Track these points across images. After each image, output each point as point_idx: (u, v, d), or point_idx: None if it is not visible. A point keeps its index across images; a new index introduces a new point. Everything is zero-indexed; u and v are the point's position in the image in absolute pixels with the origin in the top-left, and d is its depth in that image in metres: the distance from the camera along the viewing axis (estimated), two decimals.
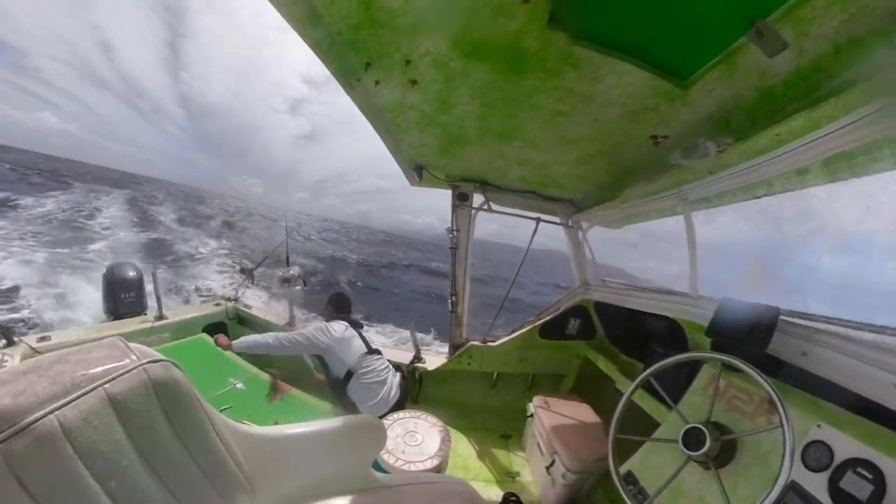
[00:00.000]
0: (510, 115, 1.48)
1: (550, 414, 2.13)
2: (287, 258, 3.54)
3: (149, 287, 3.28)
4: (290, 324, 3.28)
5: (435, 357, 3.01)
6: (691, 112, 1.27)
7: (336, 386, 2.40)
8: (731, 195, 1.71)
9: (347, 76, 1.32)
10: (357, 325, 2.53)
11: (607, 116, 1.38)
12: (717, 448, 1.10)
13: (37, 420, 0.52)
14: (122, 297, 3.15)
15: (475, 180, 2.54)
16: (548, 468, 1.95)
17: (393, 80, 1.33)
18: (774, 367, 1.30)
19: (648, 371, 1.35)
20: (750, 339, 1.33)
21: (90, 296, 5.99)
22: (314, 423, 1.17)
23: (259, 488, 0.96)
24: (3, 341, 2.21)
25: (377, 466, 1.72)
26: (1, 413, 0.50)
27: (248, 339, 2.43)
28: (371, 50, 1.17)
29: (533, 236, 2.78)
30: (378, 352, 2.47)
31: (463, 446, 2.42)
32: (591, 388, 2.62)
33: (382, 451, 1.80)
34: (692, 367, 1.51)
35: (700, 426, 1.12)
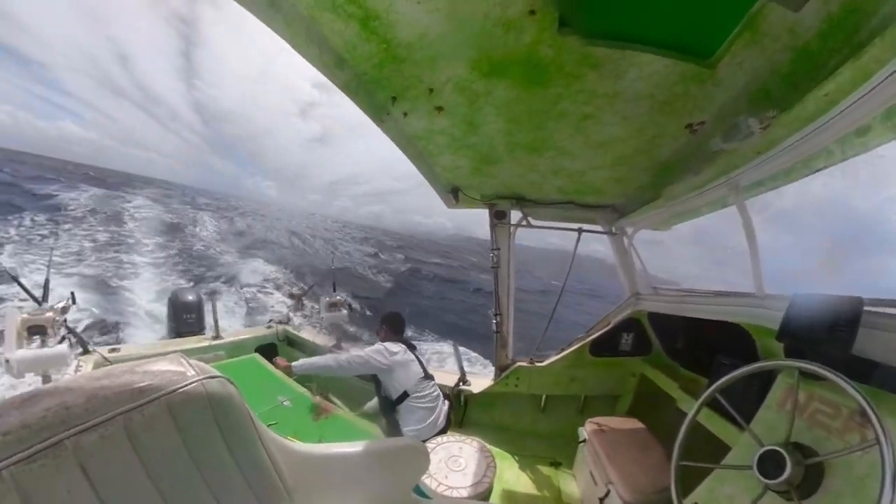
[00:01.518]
0: (538, 126, 1.48)
1: (605, 439, 1.95)
2: (334, 285, 3.76)
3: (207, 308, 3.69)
4: (337, 346, 3.40)
5: (480, 379, 2.93)
6: (724, 90, 1.17)
7: (386, 406, 2.40)
8: (787, 174, 1.52)
9: (377, 112, 1.41)
10: (412, 347, 2.52)
11: (637, 112, 1.33)
12: (800, 474, 0.94)
13: (105, 420, 0.59)
14: (183, 318, 3.63)
15: (511, 197, 2.53)
16: (602, 499, 1.77)
17: (419, 109, 1.40)
18: (864, 371, 1.10)
19: (714, 387, 1.20)
20: (831, 339, 1.12)
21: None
22: (358, 443, 1.18)
23: (300, 501, 0.97)
24: (80, 349, 2.54)
25: (419, 491, 1.69)
26: (76, 411, 0.57)
27: (308, 362, 2.48)
28: (395, 84, 1.25)
29: (576, 247, 2.67)
30: (432, 377, 2.46)
31: (509, 473, 2.29)
32: (649, 409, 2.37)
33: (424, 476, 1.77)
34: (765, 379, 1.31)
35: (778, 448, 0.96)
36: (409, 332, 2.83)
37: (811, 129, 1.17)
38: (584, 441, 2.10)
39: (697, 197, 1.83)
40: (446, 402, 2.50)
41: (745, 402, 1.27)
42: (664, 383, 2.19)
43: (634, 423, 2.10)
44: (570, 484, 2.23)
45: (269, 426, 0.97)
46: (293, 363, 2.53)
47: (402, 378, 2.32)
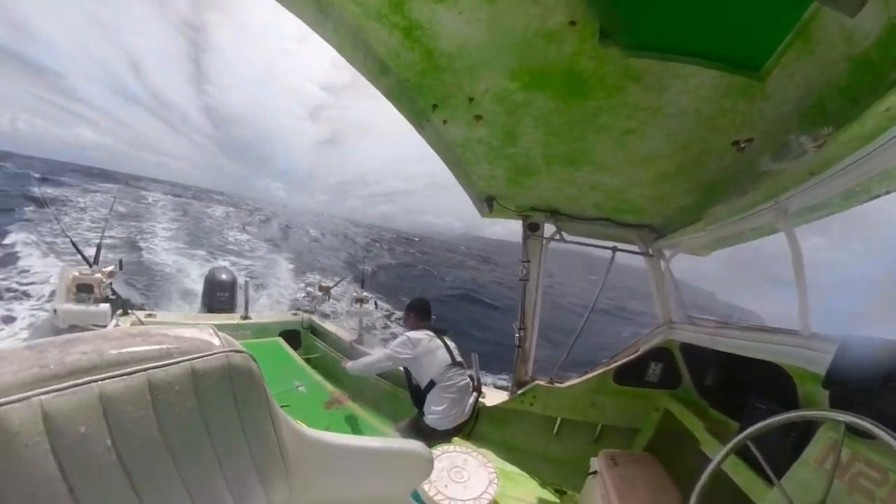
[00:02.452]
0: (577, 139, 1.46)
1: (617, 474, 1.82)
2: (363, 281, 3.88)
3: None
4: (359, 340, 3.48)
5: (495, 393, 2.87)
6: (775, 105, 1.10)
7: (415, 394, 2.43)
8: (842, 199, 1.38)
9: (418, 118, 1.45)
10: (441, 332, 2.49)
11: (681, 127, 1.28)
12: None
13: (132, 372, 0.63)
14: (217, 295, 3.92)
15: (546, 210, 2.50)
16: None
17: (459, 118, 1.42)
18: None
19: (746, 433, 1.09)
20: (885, 391, 0.99)
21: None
22: (366, 438, 1.19)
23: (297, 484, 0.99)
24: (120, 311, 2.79)
25: (416, 496, 1.67)
26: (108, 359, 0.62)
27: (359, 364, 2.50)
28: (436, 92, 1.29)
29: (610, 267, 2.58)
30: (461, 364, 2.44)
31: (512, 493, 2.20)
32: (670, 449, 2.20)
33: (424, 482, 1.75)
34: (803, 431, 1.19)
35: None
36: None
37: (871, 148, 1.05)
38: (594, 472, 1.98)
39: (742, 221, 1.71)
40: (474, 393, 2.47)
41: (778, 453, 1.16)
42: (690, 422, 2.03)
43: (652, 462, 1.95)
44: None
45: (281, 407, 1.00)
46: (346, 364, 2.58)
47: (428, 366, 2.32)
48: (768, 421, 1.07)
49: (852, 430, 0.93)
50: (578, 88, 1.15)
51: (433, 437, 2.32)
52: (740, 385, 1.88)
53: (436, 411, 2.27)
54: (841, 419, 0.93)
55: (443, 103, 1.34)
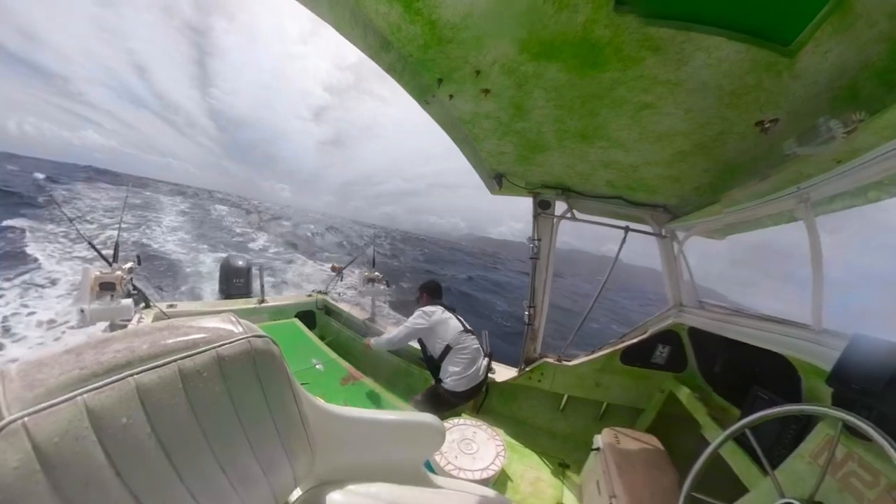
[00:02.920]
0: (590, 113, 1.38)
1: (618, 451, 1.87)
2: (373, 260, 3.91)
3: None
4: (371, 319, 3.57)
5: (505, 369, 2.93)
6: (804, 84, 1.01)
7: (431, 364, 2.57)
8: (868, 191, 1.30)
9: (423, 93, 1.39)
10: (451, 309, 2.67)
11: (701, 103, 1.19)
12: None
13: (163, 364, 0.68)
14: (233, 282, 4.04)
15: (557, 187, 2.44)
16: None
17: (465, 92, 1.35)
18: None
19: (746, 421, 1.10)
20: (888, 395, 0.97)
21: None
22: (381, 412, 1.24)
23: (319, 456, 1.05)
24: (143, 304, 2.91)
25: (428, 465, 1.77)
26: (140, 354, 0.67)
27: (381, 340, 2.64)
28: (441, 66, 1.22)
29: (621, 247, 2.53)
30: (472, 332, 2.61)
31: (517, 466, 2.29)
32: (671, 430, 2.25)
33: (436, 452, 1.85)
34: (803, 424, 1.20)
35: (798, 503, 0.88)
36: None
37: None
38: (597, 449, 2.04)
39: (761, 206, 1.64)
40: (486, 358, 2.62)
41: (776, 444, 1.18)
42: (693, 406, 2.05)
43: (653, 442, 2.00)
44: (573, 488, 2.20)
45: (301, 384, 1.05)
46: (371, 340, 2.71)
47: (443, 333, 2.49)
48: (768, 411, 1.07)
49: (850, 430, 0.93)
50: (592, 60, 1.07)
51: (451, 401, 2.48)
52: (745, 373, 1.87)
53: (453, 373, 2.42)
54: (840, 417, 0.93)
55: (448, 77, 1.27)
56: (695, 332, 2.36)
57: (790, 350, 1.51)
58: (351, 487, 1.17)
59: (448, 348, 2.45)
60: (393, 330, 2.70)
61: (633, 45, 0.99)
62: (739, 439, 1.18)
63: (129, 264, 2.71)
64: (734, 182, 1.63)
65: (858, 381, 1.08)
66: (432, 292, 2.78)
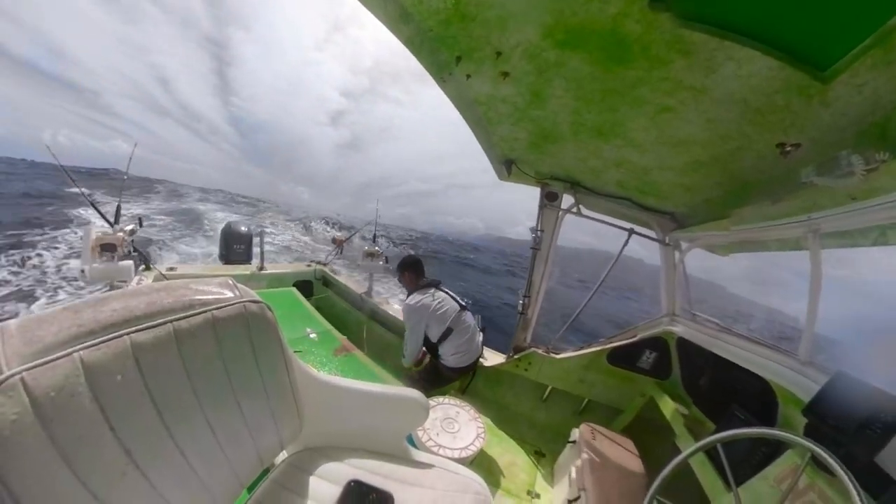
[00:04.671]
0: (609, 109, 1.35)
1: (593, 447, 1.93)
2: (374, 236, 3.89)
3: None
4: (368, 293, 3.61)
5: (494, 355, 2.99)
6: (832, 114, 0.98)
7: (430, 346, 2.57)
8: (878, 234, 1.29)
9: (439, 70, 1.35)
10: (437, 284, 2.62)
11: (724, 115, 1.16)
12: None
13: (159, 324, 0.69)
14: (234, 248, 4.03)
15: (566, 180, 2.41)
16: (570, 502, 1.79)
17: (484, 73, 1.32)
18: (879, 485, 0.98)
19: (717, 437, 1.11)
20: (858, 435, 1.01)
21: None
22: (369, 384, 1.27)
23: (306, 422, 1.09)
24: (143, 266, 2.93)
25: (410, 440, 1.83)
26: (136, 313, 0.68)
27: (407, 360, 2.62)
28: (461, 44, 1.18)
29: (622, 248, 2.53)
30: (466, 307, 2.61)
31: (495, 449, 2.37)
32: (647, 434, 2.30)
33: (418, 428, 1.91)
34: (773, 448, 1.23)
35: None
36: None
37: None
38: (573, 442, 2.11)
39: (768, 229, 1.64)
40: (481, 333, 2.67)
41: (744, 462, 1.21)
42: (670, 413, 2.09)
43: (627, 443, 2.06)
44: (547, 477, 2.26)
45: (294, 352, 1.06)
46: (405, 361, 2.65)
47: (442, 320, 2.47)
48: (741, 431, 1.09)
49: (816, 462, 0.96)
50: (618, 54, 1.03)
51: (450, 377, 2.56)
52: (726, 390, 1.91)
53: (458, 352, 2.46)
54: (809, 447, 0.94)
55: (468, 56, 1.23)
56: (683, 343, 2.39)
57: (773, 375, 1.54)
58: (335, 455, 1.22)
59: (450, 330, 2.46)
60: (406, 341, 2.59)
61: (662, 45, 0.95)
62: (710, 453, 1.22)
63: (131, 226, 2.71)
64: (745, 200, 1.60)
65: (833, 417, 1.11)
66: (416, 270, 2.66)
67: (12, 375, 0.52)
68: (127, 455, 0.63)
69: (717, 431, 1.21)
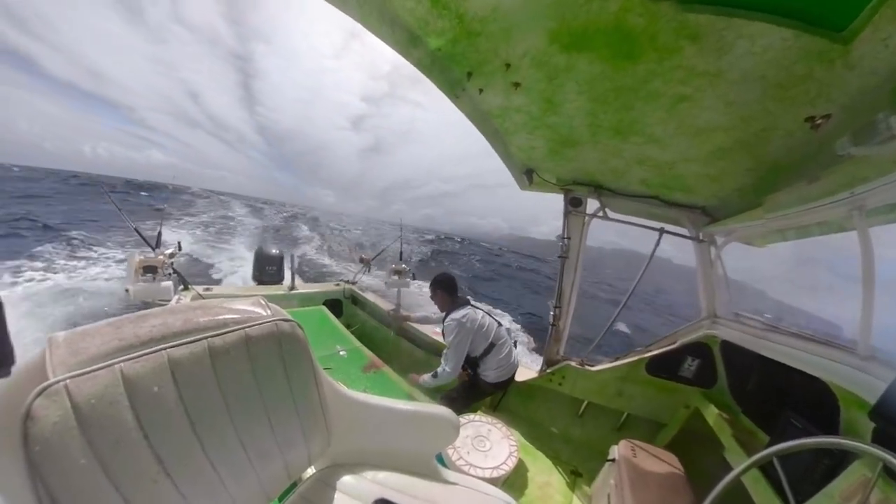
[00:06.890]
0: (624, 107, 1.33)
1: (635, 466, 1.78)
2: (401, 254, 3.98)
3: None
4: (396, 310, 3.66)
5: (525, 369, 2.89)
6: (860, 76, 0.91)
7: (470, 362, 2.58)
8: None
9: (452, 88, 1.38)
10: (468, 303, 2.65)
11: (744, 96, 1.10)
12: None
13: (195, 340, 0.74)
14: (266, 269, 4.22)
15: (589, 184, 2.37)
16: None
17: (495, 85, 1.34)
18: None
19: (774, 449, 1.01)
20: None
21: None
22: (399, 401, 1.26)
23: (335, 439, 1.09)
24: (182, 286, 3.15)
25: (440, 459, 1.79)
26: (174, 330, 0.72)
27: (444, 375, 2.44)
28: (471, 60, 1.21)
29: (655, 249, 2.42)
30: (500, 323, 2.69)
31: (528, 468, 2.25)
32: (692, 449, 2.11)
33: (449, 446, 1.86)
34: (837, 459, 1.09)
35: None
36: None
37: None
38: (612, 460, 1.95)
39: (808, 212, 1.51)
40: (514, 346, 2.72)
41: (805, 478, 1.08)
42: (718, 426, 1.92)
43: (672, 460, 1.88)
44: (584, 498, 2.12)
45: (324, 369, 1.08)
46: (420, 378, 2.52)
47: (485, 336, 2.52)
48: (801, 441, 0.98)
49: (890, 473, 0.84)
50: (626, 50, 1.02)
51: (488, 391, 2.62)
52: (779, 396, 1.74)
53: (500, 366, 2.51)
54: (881, 457, 0.83)
55: (478, 71, 1.26)
56: (727, 346, 2.21)
57: (830, 375, 1.38)
58: (362, 472, 1.21)
59: (492, 345, 2.50)
60: (445, 361, 2.47)
61: (669, 34, 0.93)
62: (765, 468, 1.09)
63: (171, 250, 2.97)
64: (779, 184, 1.52)
65: None
66: (449, 288, 2.64)
67: (57, 382, 0.57)
68: (159, 463, 0.66)
69: (771, 443, 1.09)
